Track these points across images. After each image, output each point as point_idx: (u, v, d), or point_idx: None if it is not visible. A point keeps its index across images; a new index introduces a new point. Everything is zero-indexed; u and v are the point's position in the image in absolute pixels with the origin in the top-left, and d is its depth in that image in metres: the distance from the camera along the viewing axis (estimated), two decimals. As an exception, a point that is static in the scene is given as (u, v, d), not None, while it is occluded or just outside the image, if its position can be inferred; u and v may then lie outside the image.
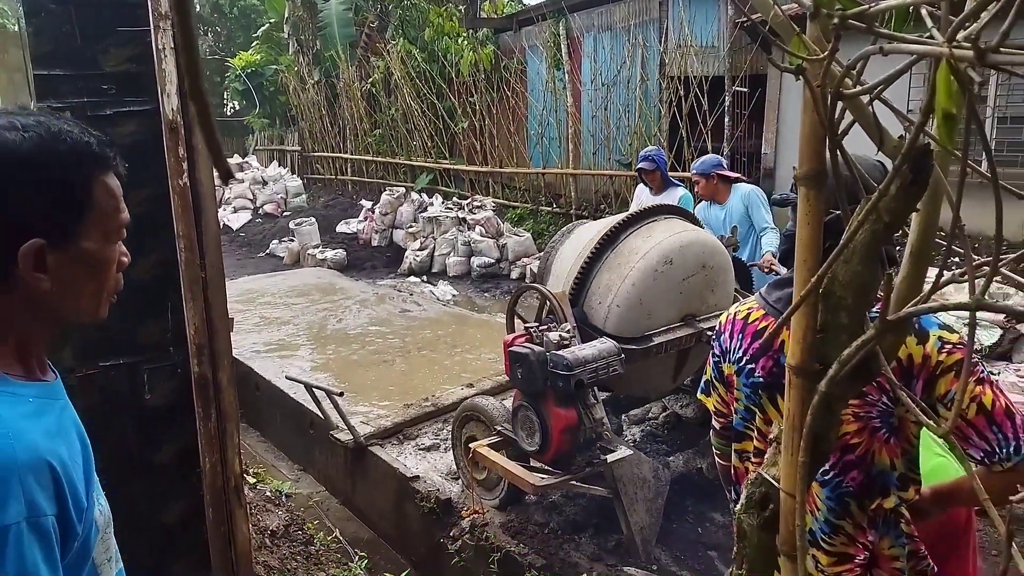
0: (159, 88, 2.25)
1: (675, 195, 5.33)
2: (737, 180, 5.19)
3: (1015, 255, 1.02)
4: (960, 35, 0.61)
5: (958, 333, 1.56)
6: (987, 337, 5.60)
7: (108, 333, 2.35)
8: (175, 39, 2.23)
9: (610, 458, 3.46)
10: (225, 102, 24.51)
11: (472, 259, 10.51)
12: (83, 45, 2.23)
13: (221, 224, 14.65)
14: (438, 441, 4.79)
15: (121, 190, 1.14)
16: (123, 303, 2.37)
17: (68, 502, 1.02)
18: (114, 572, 1.18)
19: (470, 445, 3.84)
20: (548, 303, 3.77)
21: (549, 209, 11.57)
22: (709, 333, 3.71)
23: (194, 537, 2.55)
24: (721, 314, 3.88)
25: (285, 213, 14.84)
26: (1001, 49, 0.55)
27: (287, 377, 5.17)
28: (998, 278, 0.95)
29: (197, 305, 2.32)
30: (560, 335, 3.48)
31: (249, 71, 17.97)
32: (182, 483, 2.52)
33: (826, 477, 1.63)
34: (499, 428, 3.78)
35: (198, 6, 23.12)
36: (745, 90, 8.89)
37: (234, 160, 16.88)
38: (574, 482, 3.51)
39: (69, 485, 1.03)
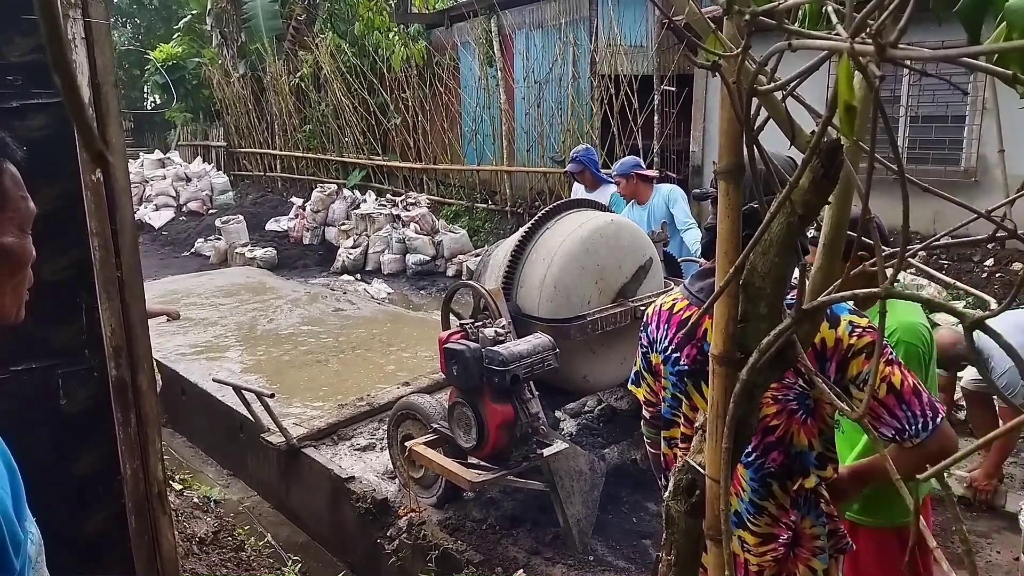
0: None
1: (607, 192, 5.42)
2: (658, 180, 5.33)
3: (920, 245, 1.07)
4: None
5: (867, 317, 1.64)
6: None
7: (19, 336, 2.23)
8: (42, 19, 2.13)
9: (546, 452, 3.49)
10: (145, 95, 23.61)
11: (407, 256, 10.42)
12: (-15, 33, 2.11)
13: (142, 222, 14.08)
14: (374, 441, 4.73)
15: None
16: (34, 304, 2.25)
17: (5, 540, 0.95)
18: None
19: (406, 444, 3.81)
20: (483, 299, 3.78)
21: (484, 206, 11.57)
22: (643, 309, 3.83)
23: (118, 547, 2.45)
24: (653, 295, 4.00)
25: (211, 211, 14.38)
26: (899, 45, 0.58)
27: (214, 380, 5.01)
28: (912, 269, 1.00)
29: (113, 306, 2.22)
30: (495, 331, 3.49)
31: (170, 64, 17.33)
32: (103, 492, 2.42)
33: (749, 459, 1.69)
34: (435, 426, 3.77)
35: (115, -5, 22.18)
36: (673, 89, 9.08)
37: (154, 155, 16.26)
38: (511, 477, 3.53)
39: (6, 521, 0.96)
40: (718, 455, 1.09)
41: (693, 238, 4.98)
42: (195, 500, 4.34)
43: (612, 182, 5.61)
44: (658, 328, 1.85)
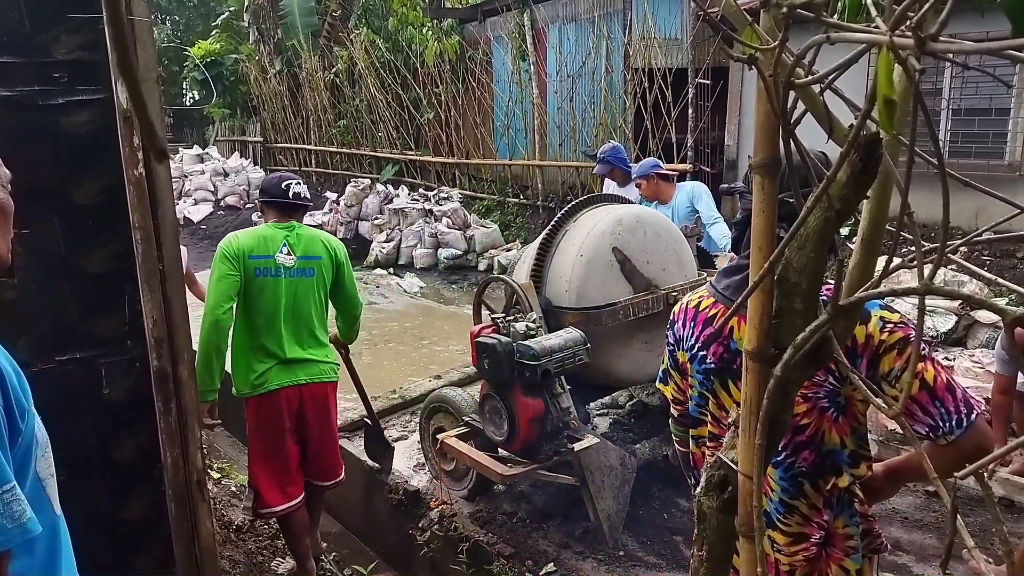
0: (112, 76, 2.20)
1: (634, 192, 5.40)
2: (691, 174, 5.35)
3: (961, 241, 1.05)
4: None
5: (898, 313, 1.60)
6: (942, 324, 5.77)
7: (64, 327, 2.29)
8: (112, 20, 2.18)
9: (577, 446, 3.49)
10: (184, 91, 24.04)
11: (439, 251, 10.47)
12: (33, 32, 2.17)
13: (182, 216, 14.41)
14: (406, 433, 4.78)
15: None
16: (79, 296, 2.33)
17: (11, 397, 1.17)
18: (55, 487, 1.33)
19: (438, 436, 3.84)
20: (514, 294, 3.79)
21: (516, 200, 11.57)
22: (675, 295, 3.82)
23: (157, 533, 2.52)
24: (685, 283, 4.00)
25: (248, 205, 14.62)
26: (940, 38, 0.57)
27: (251, 371, 5.09)
28: (952, 265, 0.99)
29: (155, 298, 2.28)
30: (526, 325, 3.50)
31: (208, 60, 17.62)
32: (143, 479, 2.48)
33: (779, 458, 1.66)
34: (467, 419, 3.79)
35: (155, -7, 22.59)
36: (708, 82, 8.98)
37: (193, 151, 16.56)
38: (542, 471, 3.54)
39: (11, 385, 1.19)
40: (751, 451, 1.08)
41: (720, 232, 4.98)
42: (232, 488, 4.42)
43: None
44: (684, 326, 1.83)
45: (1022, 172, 6.82)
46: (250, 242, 3.31)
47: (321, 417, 3.46)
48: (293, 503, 3.45)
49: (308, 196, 3.55)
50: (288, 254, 3.32)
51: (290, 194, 3.42)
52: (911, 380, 0.80)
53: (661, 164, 5.32)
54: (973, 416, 1.53)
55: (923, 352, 1.58)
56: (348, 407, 5.11)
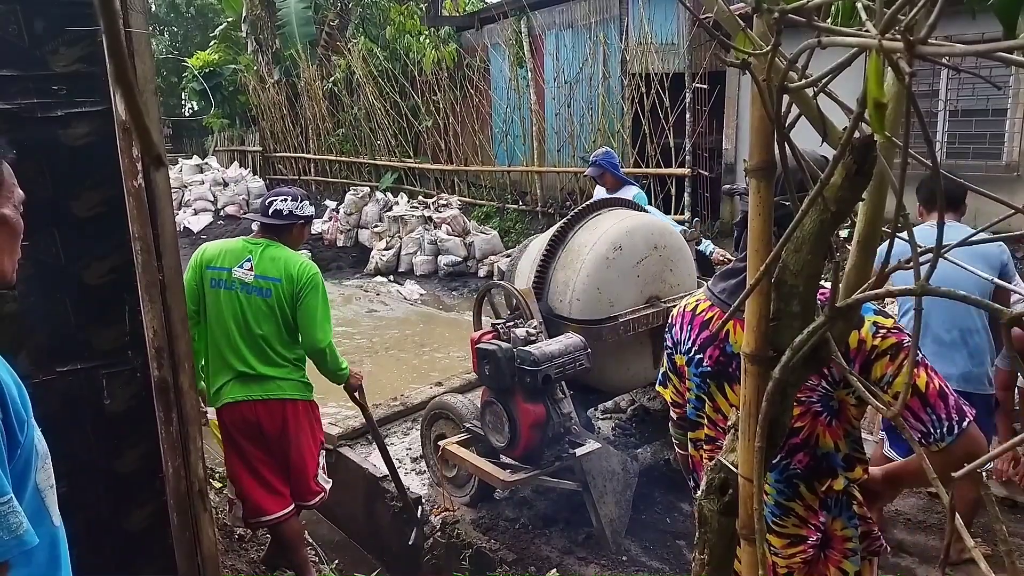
0: (111, 88, 2.21)
1: (628, 193, 5.40)
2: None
3: (957, 242, 1.06)
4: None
5: (892, 318, 1.60)
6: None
7: (65, 338, 2.30)
8: (107, 28, 2.19)
9: (579, 452, 3.49)
10: (183, 102, 24.09)
11: (439, 258, 10.48)
12: (31, 46, 2.17)
13: (182, 227, 14.39)
14: (407, 440, 4.77)
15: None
16: (79, 307, 2.33)
17: (10, 410, 1.19)
18: (55, 499, 1.33)
19: (440, 443, 3.84)
20: (514, 300, 3.79)
21: (515, 207, 11.59)
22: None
23: (159, 543, 2.51)
24: (685, 294, 3.99)
25: (247, 215, 14.63)
26: (931, 41, 0.57)
27: (252, 380, 5.09)
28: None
29: (155, 308, 2.28)
30: (527, 331, 3.50)
31: (207, 71, 17.66)
32: (145, 489, 2.48)
33: (773, 461, 1.66)
34: (468, 425, 3.79)
35: (153, 6, 22.67)
36: (705, 87, 9.00)
37: (192, 161, 16.59)
38: (544, 477, 3.54)
39: (10, 397, 1.20)
40: (751, 454, 1.08)
41: (706, 245, 5.14)
42: (232, 498, 4.41)
43: (632, 183, 5.62)
44: (682, 329, 1.84)
45: (1020, 173, 6.83)
46: (212, 253, 3.35)
47: (279, 434, 3.34)
48: (282, 513, 3.39)
49: (296, 212, 3.35)
50: (249, 270, 3.27)
51: (270, 211, 3.35)
52: (907, 383, 0.80)
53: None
54: (965, 423, 1.52)
55: (918, 359, 1.57)
56: (349, 415, 5.11)
